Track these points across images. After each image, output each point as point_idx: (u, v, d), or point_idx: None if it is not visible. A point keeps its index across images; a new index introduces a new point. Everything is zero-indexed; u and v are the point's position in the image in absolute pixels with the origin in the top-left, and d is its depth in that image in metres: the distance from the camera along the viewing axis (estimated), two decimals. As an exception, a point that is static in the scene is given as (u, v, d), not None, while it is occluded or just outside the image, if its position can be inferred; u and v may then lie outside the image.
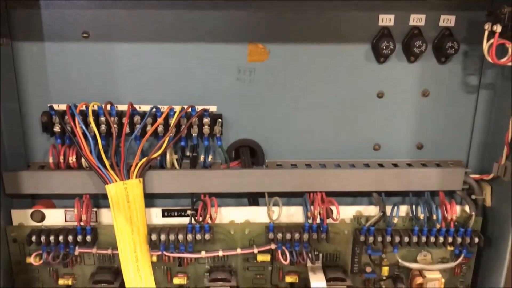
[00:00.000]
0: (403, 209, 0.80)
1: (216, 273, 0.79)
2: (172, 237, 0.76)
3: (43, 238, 0.75)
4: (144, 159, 0.74)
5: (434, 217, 0.76)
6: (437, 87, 0.80)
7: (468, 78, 0.79)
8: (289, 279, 0.81)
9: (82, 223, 0.76)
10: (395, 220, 0.77)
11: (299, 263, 0.80)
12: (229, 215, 0.80)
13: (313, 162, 0.82)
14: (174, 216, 0.80)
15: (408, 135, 0.82)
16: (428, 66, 0.78)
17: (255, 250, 0.79)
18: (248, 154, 0.81)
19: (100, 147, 0.73)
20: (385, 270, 0.81)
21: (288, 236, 0.77)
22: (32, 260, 0.76)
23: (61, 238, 0.75)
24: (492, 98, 0.79)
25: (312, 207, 0.76)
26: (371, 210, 0.80)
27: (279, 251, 0.78)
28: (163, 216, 0.80)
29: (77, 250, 0.77)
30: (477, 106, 0.81)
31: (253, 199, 0.83)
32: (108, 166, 0.73)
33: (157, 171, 0.77)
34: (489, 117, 0.80)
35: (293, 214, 0.80)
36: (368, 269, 0.82)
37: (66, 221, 0.79)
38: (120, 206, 0.73)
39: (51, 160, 0.76)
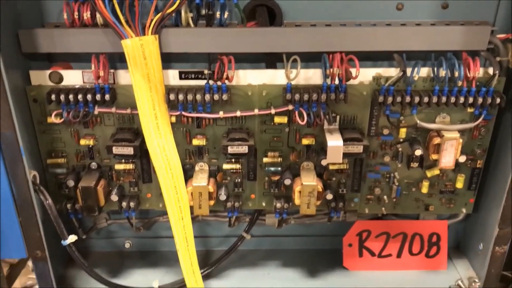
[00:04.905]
0: (424, 71, 0.78)
1: (234, 134, 0.80)
2: (190, 97, 0.76)
3: (62, 97, 0.76)
4: (159, 15, 0.72)
5: (456, 74, 0.74)
6: None
7: None
8: (305, 141, 0.82)
9: (100, 82, 0.76)
10: (416, 78, 0.75)
11: (316, 124, 0.80)
12: (246, 78, 0.79)
13: (334, 22, 0.79)
14: (191, 78, 0.79)
15: (434, -7, 0.78)
16: None
17: (273, 111, 0.79)
18: (266, 14, 0.79)
19: (114, 1, 0.71)
20: (403, 132, 0.81)
21: (306, 97, 0.76)
22: (53, 118, 0.78)
23: (80, 97, 0.76)
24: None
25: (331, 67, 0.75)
26: (391, 72, 0.78)
27: (296, 112, 0.78)
28: (180, 78, 0.79)
29: (97, 109, 0.78)
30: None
31: (271, 63, 0.82)
32: (123, 22, 0.72)
33: (172, 28, 0.75)
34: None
35: (311, 77, 0.79)
36: (386, 131, 0.82)
37: (84, 82, 0.79)
38: (137, 63, 0.73)
39: (65, 16, 0.74)
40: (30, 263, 2.08)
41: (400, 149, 0.83)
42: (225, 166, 0.84)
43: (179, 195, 0.79)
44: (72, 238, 0.79)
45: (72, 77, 0.79)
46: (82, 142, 0.81)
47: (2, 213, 0.75)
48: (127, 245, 0.99)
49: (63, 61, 0.82)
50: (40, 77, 0.78)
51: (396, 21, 0.79)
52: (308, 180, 0.81)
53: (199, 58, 0.83)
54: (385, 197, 0.88)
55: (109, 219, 0.95)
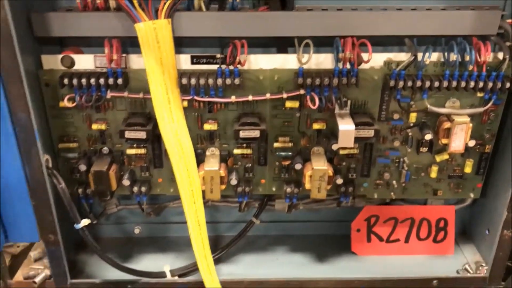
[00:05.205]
0: (435, 56, 0.78)
1: (246, 118, 0.80)
2: (202, 81, 0.77)
3: (75, 81, 0.76)
4: (172, -2, 0.73)
5: (467, 58, 0.75)
6: None
7: None
8: (316, 126, 0.82)
9: (113, 66, 0.76)
10: (427, 62, 0.76)
11: (327, 109, 0.81)
12: (257, 62, 0.79)
13: (345, 7, 0.80)
14: (203, 63, 0.79)
15: (444, -22, 0.79)
16: None
17: (284, 95, 0.79)
18: (277, -1, 0.79)
19: (127, -15, 0.72)
20: (413, 117, 0.82)
21: (318, 81, 0.77)
22: (65, 102, 0.78)
23: (92, 81, 0.76)
24: None
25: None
26: (402, 57, 0.79)
27: (308, 97, 0.78)
28: (192, 63, 0.79)
29: (109, 94, 0.78)
30: None
31: (282, 47, 0.82)
32: (136, 5, 0.72)
33: (185, 12, 0.75)
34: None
35: (322, 61, 0.79)
36: (396, 116, 0.82)
37: (96, 66, 0.79)
38: (150, 47, 0.73)
39: (78, 0, 0.75)
40: (32, 254, 2.07)
41: (410, 134, 0.84)
42: (236, 151, 0.85)
43: (191, 179, 0.79)
44: (85, 221, 0.79)
45: (84, 62, 0.79)
46: (94, 126, 0.81)
47: (15, 196, 0.76)
48: (136, 231, 0.99)
49: (73, 46, 0.82)
50: (52, 62, 0.78)
51: (407, 6, 0.80)
52: (319, 165, 0.81)
53: (209, 43, 0.83)
54: (394, 182, 0.88)
55: (119, 204, 0.95)
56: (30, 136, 0.72)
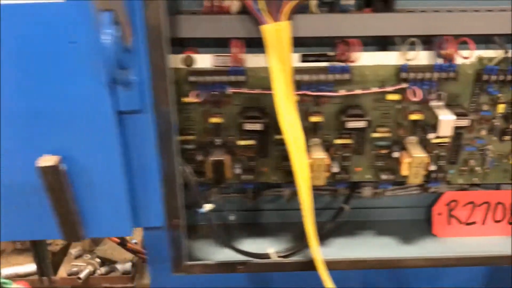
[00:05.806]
0: (521, 52, 0.87)
1: (351, 111, 0.88)
2: (314, 77, 0.84)
3: (200, 78, 0.83)
4: (294, 2, 0.80)
5: (556, 53, 0.83)
6: None
7: None
8: (414, 117, 0.90)
9: (235, 64, 0.83)
10: (520, 57, 0.84)
11: (425, 101, 0.89)
12: (361, 59, 0.87)
13: (441, 9, 0.88)
14: (313, 61, 0.87)
15: (531, -19, 0.87)
16: None
17: (389, 89, 0.87)
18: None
19: (256, -9, 0.79)
20: (500, 108, 0.90)
21: (419, 76, 0.85)
22: (192, 98, 0.85)
23: (216, 78, 0.84)
24: None
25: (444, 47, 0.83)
26: (491, 53, 0.87)
27: (410, 90, 0.86)
28: (302, 61, 0.87)
29: (230, 90, 0.86)
30: None
31: (382, 46, 0.90)
32: (263, 9, 0.79)
33: (302, 15, 0.82)
34: None
35: (420, 58, 0.87)
36: (485, 107, 0.90)
37: (215, 65, 0.86)
38: (274, 46, 0.80)
39: (206, 4, 0.82)
40: (72, 251, 2.13)
41: (496, 124, 0.92)
42: (337, 141, 0.92)
43: (303, 167, 0.87)
44: (209, 206, 0.86)
45: (201, 61, 0.86)
46: (212, 120, 0.89)
47: (148, 184, 0.83)
48: (232, 218, 1.06)
49: (191, 46, 0.89)
50: (174, 61, 0.85)
51: (495, 7, 0.88)
52: (418, 153, 0.89)
53: (311, 42, 0.90)
54: (477, 168, 0.97)
55: (220, 193, 1.02)
56: (169, 128, 0.79)
